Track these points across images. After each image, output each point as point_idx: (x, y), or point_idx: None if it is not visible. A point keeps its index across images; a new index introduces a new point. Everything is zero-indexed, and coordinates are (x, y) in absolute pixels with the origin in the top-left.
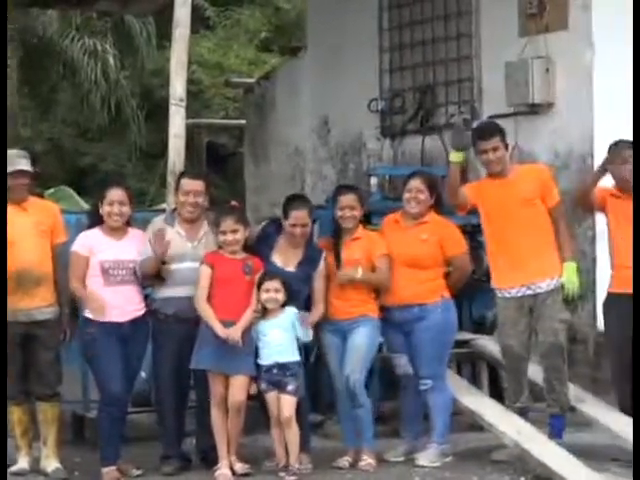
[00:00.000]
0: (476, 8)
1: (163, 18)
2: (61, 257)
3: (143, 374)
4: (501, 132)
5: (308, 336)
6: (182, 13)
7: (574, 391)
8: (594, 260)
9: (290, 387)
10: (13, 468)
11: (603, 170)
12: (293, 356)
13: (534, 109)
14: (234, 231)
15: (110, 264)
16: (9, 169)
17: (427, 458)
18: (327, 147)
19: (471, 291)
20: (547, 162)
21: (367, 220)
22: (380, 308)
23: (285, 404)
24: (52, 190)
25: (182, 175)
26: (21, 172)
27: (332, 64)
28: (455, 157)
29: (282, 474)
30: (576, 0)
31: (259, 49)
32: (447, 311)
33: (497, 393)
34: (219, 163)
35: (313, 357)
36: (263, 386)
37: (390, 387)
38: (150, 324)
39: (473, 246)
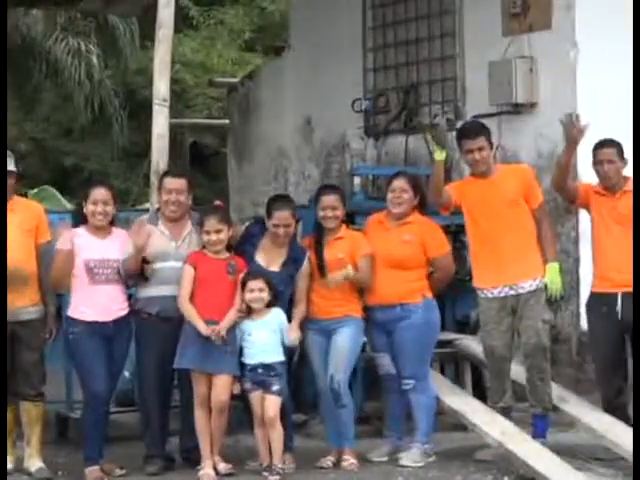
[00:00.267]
0: (459, 8)
1: (147, 18)
2: (45, 256)
3: (127, 374)
4: (487, 132)
5: (295, 342)
6: (165, 14)
7: (557, 391)
8: (577, 260)
9: (275, 387)
10: None
11: (571, 145)
12: (278, 356)
13: (517, 109)
14: (218, 231)
15: (95, 263)
16: None
17: (410, 458)
18: (310, 147)
19: (454, 291)
20: (530, 162)
21: (350, 220)
22: (363, 308)
23: (270, 404)
24: (35, 190)
25: (165, 174)
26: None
27: (316, 64)
28: (439, 155)
29: (265, 474)
30: (559, 0)
31: (243, 49)
32: (429, 311)
33: (480, 393)
34: (203, 163)
35: (296, 357)
36: (247, 386)
37: (373, 387)
38: (133, 324)
39: (456, 246)
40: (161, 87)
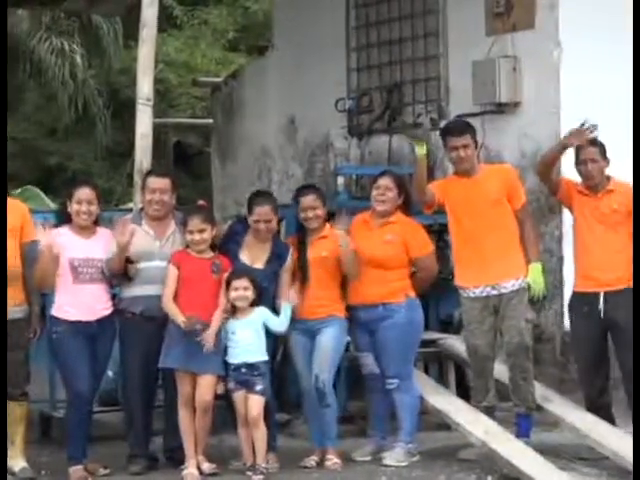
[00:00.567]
0: (443, 7)
1: (130, 18)
2: (30, 256)
3: (110, 373)
4: (472, 130)
5: (284, 323)
6: (149, 13)
7: (541, 390)
8: (561, 259)
9: (258, 387)
10: None
11: (562, 147)
12: (262, 356)
13: (501, 108)
14: (201, 230)
15: (79, 262)
16: None
17: (394, 457)
18: (294, 146)
19: (438, 290)
20: (514, 161)
21: (334, 219)
22: (346, 307)
23: (253, 404)
24: (19, 190)
25: (149, 173)
26: None
27: (299, 63)
28: (420, 150)
29: (249, 473)
30: None
31: (226, 49)
32: (412, 310)
33: (463, 392)
34: (186, 162)
35: (279, 356)
36: (231, 385)
37: (357, 386)
38: (117, 323)
39: (440, 245)
40: (145, 86)
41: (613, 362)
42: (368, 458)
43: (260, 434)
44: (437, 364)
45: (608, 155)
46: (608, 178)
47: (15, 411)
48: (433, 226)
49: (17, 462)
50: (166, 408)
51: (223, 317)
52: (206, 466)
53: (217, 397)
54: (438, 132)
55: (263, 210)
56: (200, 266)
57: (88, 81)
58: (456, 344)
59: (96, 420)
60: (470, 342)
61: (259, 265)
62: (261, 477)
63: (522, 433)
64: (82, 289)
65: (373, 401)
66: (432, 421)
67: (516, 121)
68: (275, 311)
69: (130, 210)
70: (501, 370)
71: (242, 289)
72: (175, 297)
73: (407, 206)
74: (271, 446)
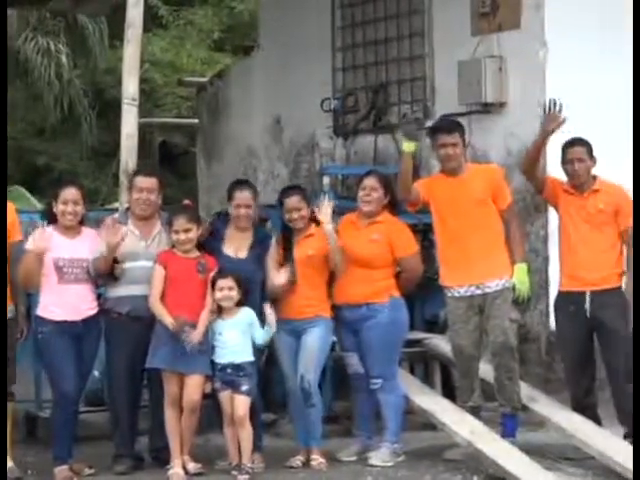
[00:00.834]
0: (429, 7)
1: (116, 18)
2: (16, 256)
3: (96, 373)
4: (462, 129)
5: (265, 338)
6: (135, 13)
7: (526, 390)
8: (547, 259)
9: (244, 387)
10: None
11: (543, 136)
12: (248, 357)
13: (487, 108)
14: (187, 230)
15: (64, 262)
16: None
17: (380, 457)
18: (280, 146)
19: (423, 290)
20: (500, 161)
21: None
22: (332, 307)
23: (239, 404)
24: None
25: (136, 173)
26: None
27: (285, 63)
28: (407, 147)
29: (235, 473)
30: None
31: (212, 49)
32: (396, 310)
33: (449, 392)
34: (172, 162)
35: (265, 356)
36: (217, 385)
37: (343, 386)
38: (103, 323)
39: (425, 245)
40: (130, 86)
41: (599, 363)
42: (354, 458)
43: (246, 434)
44: (423, 364)
45: (595, 155)
46: (594, 178)
47: None
48: (418, 225)
49: None
50: (152, 408)
51: (210, 317)
52: (192, 466)
53: (204, 397)
54: (425, 132)
55: (244, 195)
56: (186, 266)
57: (74, 81)
58: (441, 344)
59: (82, 420)
60: (455, 342)
61: (243, 254)
62: (247, 477)
63: (508, 433)
64: (67, 289)
65: (358, 401)
66: (418, 421)
67: (502, 121)
68: (264, 298)
69: (116, 210)
70: (487, 370)
71: (227, 289)
72: (162, 297)
73: (394, 206)
74: (257, 446)
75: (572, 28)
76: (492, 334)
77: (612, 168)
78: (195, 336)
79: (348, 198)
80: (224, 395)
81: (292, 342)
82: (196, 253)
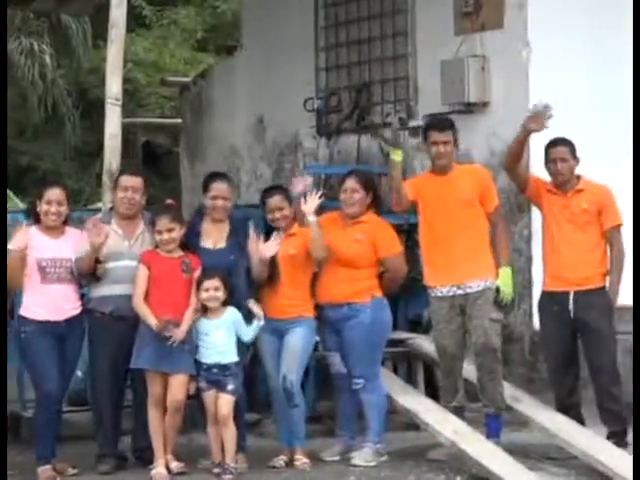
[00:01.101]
0: (412, 7)
1: (99, 18)
2: None
3: (79, 373)
4: (455, 129)
5: (250, 335)
6: (118, 13)
7: (510, 390)
8: (530, 259)
9: (230, 387)
10: None
11: (525, 134)
12: (234, 357)
13: (470, 108)
14: (170, 230)
15: (47, 262)
16: None
17: (363, 457)
18: (263, 146)
19: (407, 290)
20: (483, 161)
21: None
22: (315, 306)
23: (223, 403)
24: None
25: (121, 172)
26: None
27: (268, 63)
28: (396, 155)
29: (217, 470)
30: None
31: (195, 48)
32: (378, 310)
33: (433, 392)
34: (155, 162)
35: (249, 356)
36: (202, 385)
37: (326, 386)
38: (86, 323)
39: (409, 245)
40: (113, 86)
41: (582, 362)
42: (337, 458)
43: (229, 434)
44: (406, 364)
45: (578, 154)
46: (578, 177)
47: None
48: (402, 225)
49: None
50: (135, 408)
51: (194, 316)
52: (174, 465)
53: (188, 397)
54: (406, 132)
55: (221, 186)
56: (170, 266)
57: (57, 81)
58: (425, 344)
59: (65, 420)
60: (439, 342)
61: (222, 244)
62: (230, 477)
63: (492, 433)
64: (50, 289)
65: (341, 401)
66: (401, 421)
67: (485, 120)
68: (249, 286)
69: (99, 210)
70: (470, 370)
71: (213, 289)
72: (146, 297)
73: (377, 204)
74: (240, 446)
75: (555, 28)
76: (474, 334)
77: (596, 168)
78: (179, 334)
79: (331, 198)
80: (209, 394)
81: (275, 341)
82: (180, 253)
